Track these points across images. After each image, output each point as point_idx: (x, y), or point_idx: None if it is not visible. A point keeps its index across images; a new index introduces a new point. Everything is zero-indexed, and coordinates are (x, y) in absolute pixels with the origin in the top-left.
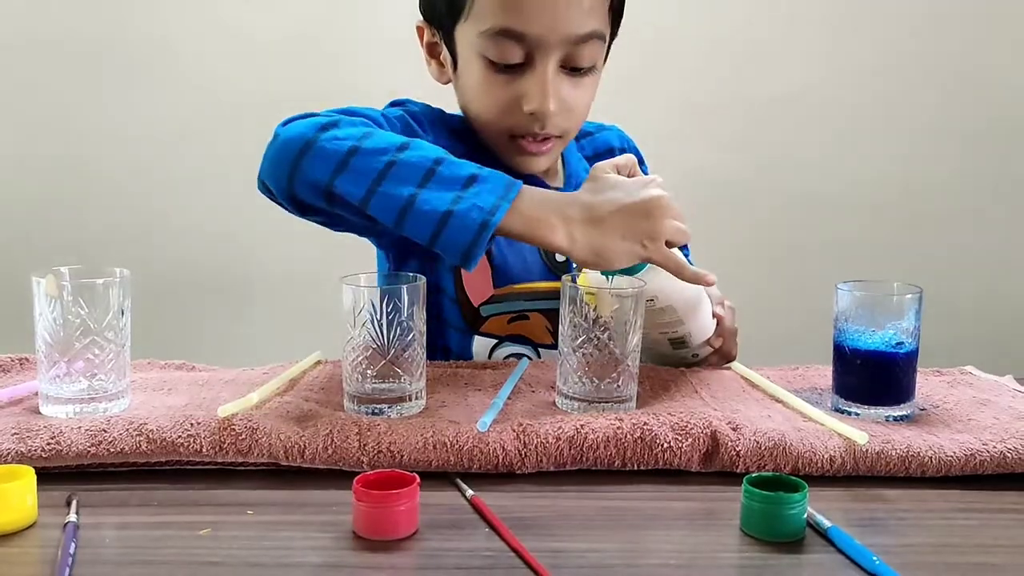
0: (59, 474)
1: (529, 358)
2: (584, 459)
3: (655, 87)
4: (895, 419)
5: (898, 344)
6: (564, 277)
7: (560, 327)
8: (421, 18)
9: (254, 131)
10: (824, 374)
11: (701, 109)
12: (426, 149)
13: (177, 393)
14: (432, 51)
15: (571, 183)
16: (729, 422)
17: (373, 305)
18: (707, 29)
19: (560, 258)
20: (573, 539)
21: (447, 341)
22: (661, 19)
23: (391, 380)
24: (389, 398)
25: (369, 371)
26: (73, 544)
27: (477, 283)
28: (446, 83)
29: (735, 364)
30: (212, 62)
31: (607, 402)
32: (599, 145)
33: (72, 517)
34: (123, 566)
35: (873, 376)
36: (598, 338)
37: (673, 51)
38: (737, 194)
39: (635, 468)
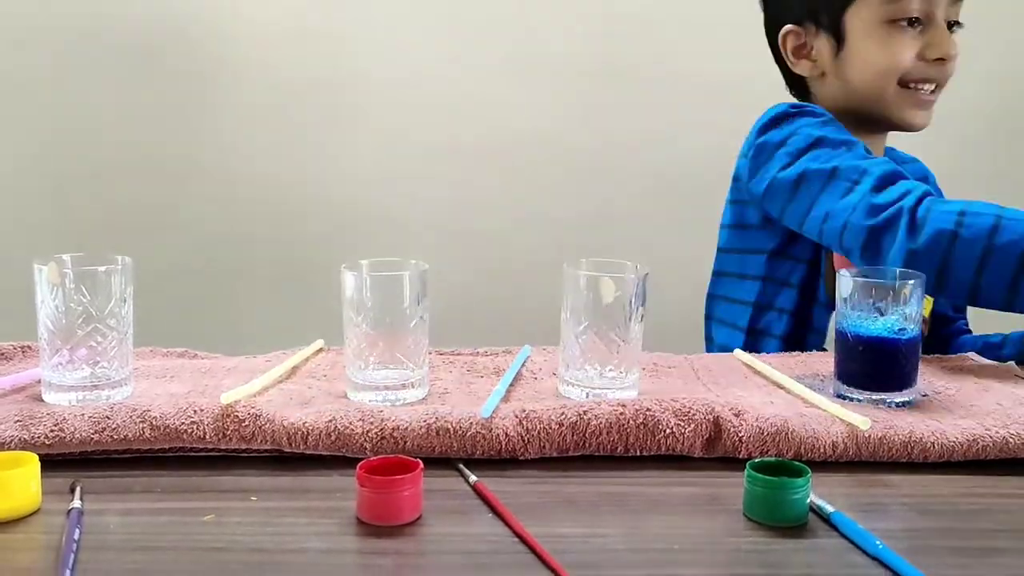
0: (62, 461)
1: None
2: (587, 445)
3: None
4: (897, 405)
5: (900, 330)
6: (564, 264)
7: (562, 313)
8: (786, 28)
9: (259, 120)
10: (826, 360)
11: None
12: (1006, 217)
13: (180, 381)
14: (798, 53)
15: None
16: (731, 408)
17: (374, 292)
18: None
19: None
20: (576, 524)
21: (814, 315)
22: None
23: (393, 367)
24: (391, 385)
25: (371, 358)
26: (77, 530)
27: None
28: (819, 76)
29: (737, 352)
30: (222, 48)
31: (609, 389)
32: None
33: (76, 503)
34: (127, 552)
35: (875, 362)
36: (600, 324)
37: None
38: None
39: (638, 454)
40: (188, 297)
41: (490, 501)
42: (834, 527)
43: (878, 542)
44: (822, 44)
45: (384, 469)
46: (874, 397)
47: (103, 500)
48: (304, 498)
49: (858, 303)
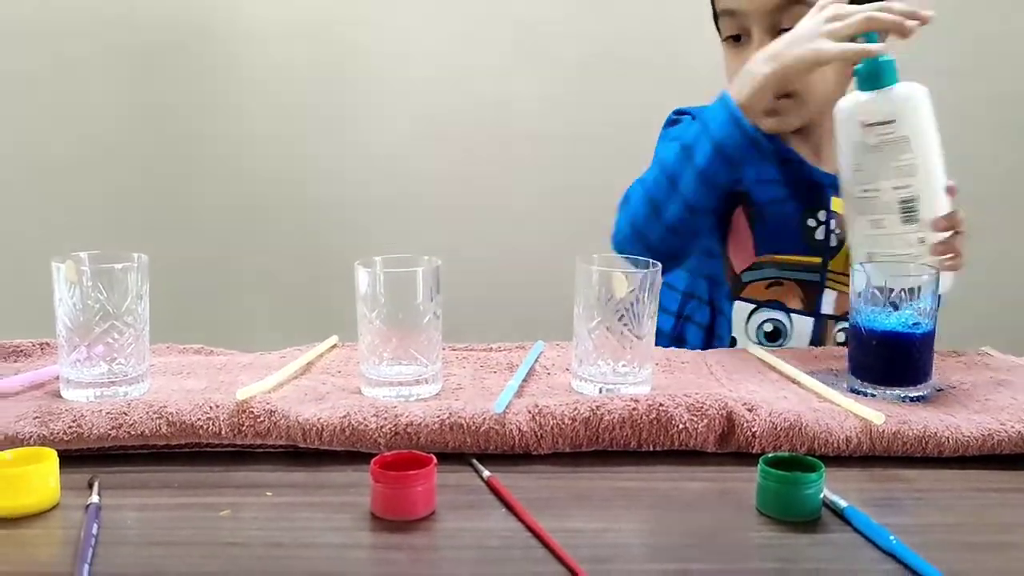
0: (80, 457)
1: (781, 326)
2: (600, 440)
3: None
4: (912, 400)
5: (914, 324)
6: (577, 259)
7: (575, 308)
8: None
9: (271, 116)
10: (840, 355)
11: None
12: (664, 150)
13: (195, 377)
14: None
15: None
16: (745, 403)
17: (387, 288)
18: None
19: (819, 236)
20: (590, 519)
21: (720, 303)
22: None
23: (407, 363)
24: (405, 380)
25: (385, 354)
26: (96, 525)
27: (742, 252)
28: None
29: (750, 346)
30: (232, 45)
31: (623, 384)
32: None
33: (94, 499)
34: (145, 546)
35: (889, 357)
36: (613, 320)
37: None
38: None
39: (651, 449)
40: (201, 294)
41: (503, 496)
42: (847, 522)
43: (892, 537)
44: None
45: (398, 464)
46: (888, 392)
47: (120, 495)
48: (319, 493)
49: (872, 298)
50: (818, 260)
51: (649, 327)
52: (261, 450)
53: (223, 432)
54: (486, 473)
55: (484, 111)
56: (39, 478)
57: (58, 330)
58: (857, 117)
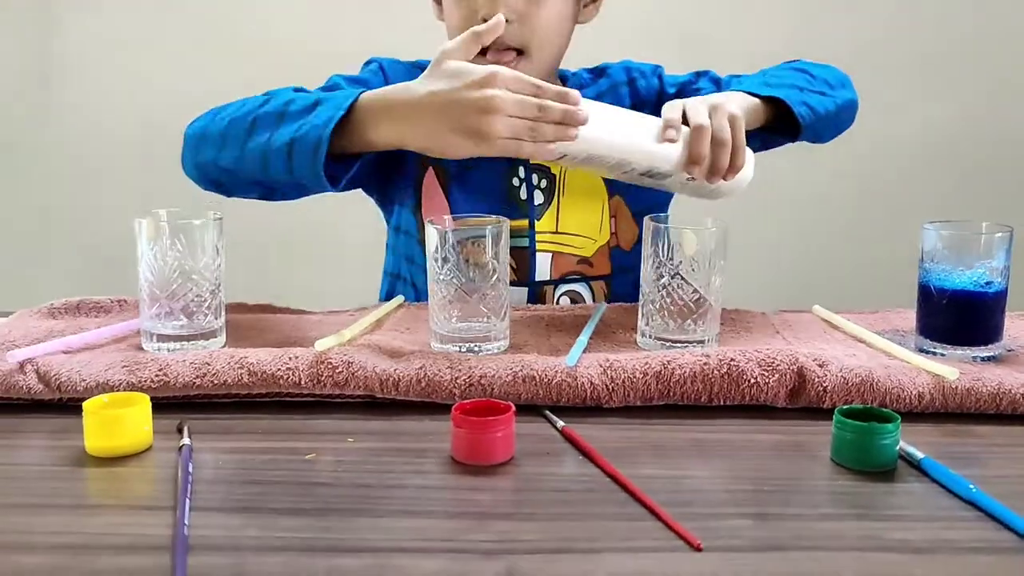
0: (166, 404)
1: None
2: (671, 394)
3: (723, 40)
4: (982, 359)
5: (987, 283)
6: (647, 218)
7: (643, 267)
8: None
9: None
10: (905, 316)
11: (776, 60)
12: (283, 95)
13: (270, 332)
14: None
15: None
16: (815, 359)
17: (458, 246)
18: None
19: (523, 196)
20: (665, 467)
21: (422, 285)
22: None
23: (476, 320)
24: (475, 337)
25: (455, 311)
26: (191, 464)
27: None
28: (443, 21)
29: (816, 308)
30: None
31: (690, 343)
32: (611, 77)
33: (186, 440)
34: (237, 485)
35: (960, 316)
36: (681, 278)
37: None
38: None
39: (721, 404)
40: (260, 258)
41: (580, 444)
42: (924, 472)
43: (971, 486)
44: None
45: (477, 411)
46: (958, 352)
47: (207, 440)
48: (399, 440)
49: (944, 256)
50: (525, 223)
51: (717, 285)
52: (339, 400)
53: (303, 382)
54: (560, 423)
55: None
56: (134, 421)
57: (140, 285)
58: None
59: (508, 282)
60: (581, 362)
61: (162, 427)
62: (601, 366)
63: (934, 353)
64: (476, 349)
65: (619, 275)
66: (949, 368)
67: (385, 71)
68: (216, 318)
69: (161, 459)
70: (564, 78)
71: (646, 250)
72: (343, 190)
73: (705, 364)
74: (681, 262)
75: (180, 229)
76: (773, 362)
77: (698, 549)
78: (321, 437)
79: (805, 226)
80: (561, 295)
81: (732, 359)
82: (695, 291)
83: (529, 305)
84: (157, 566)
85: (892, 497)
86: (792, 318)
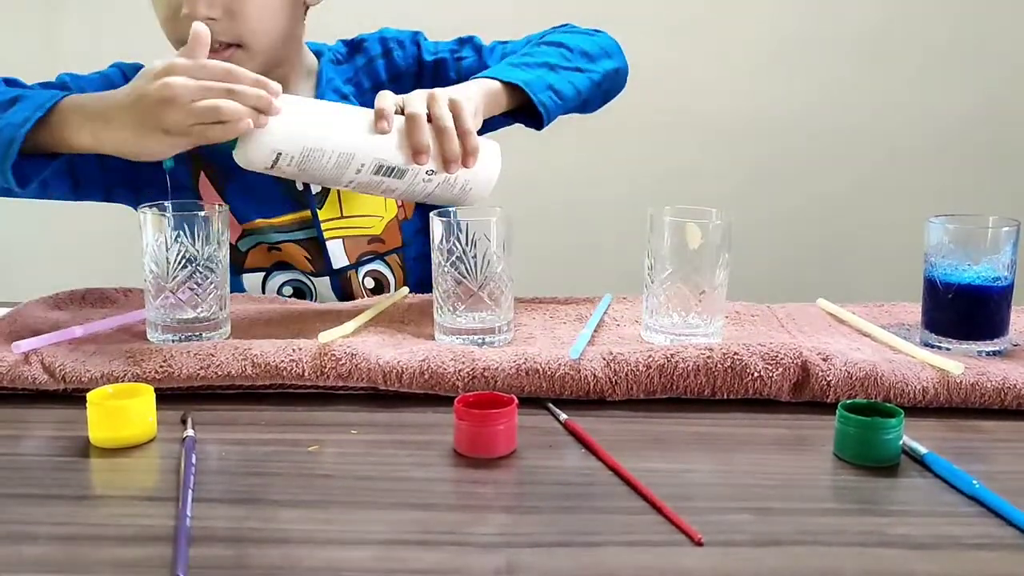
0: (171, 395)
1: (304, 287)
2: (674, 387)
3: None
4: (988, 354)
5: (994, 278)
6: (650, 209)
7: (646, 260)
8: None
9: None
10: (910, 310)
11: (783, 55)
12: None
13: (274, 323)
14: None
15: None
16: (819, 352)
17: (462, 238)
18: None
19: (299, 187)
20: (668, 460)
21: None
22: None
23: (481, 311)
24: (479, 329)
25: (459, 303)
26: (194, 456)
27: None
28: None
29: (820, 301)
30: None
31: (694, 336)
32: (367, 52)
33: (190, 432)
34: (240, 476)
35: (966, 310)
36: (685, 271)
37: None
38: (822, 135)
39: (724, 397)
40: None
41: (582, 437)
42: (927, 467)
43: (975, 481)
44: None
45: (480, 404)
46: (963, 346)
47: (211, 431)
48: (402, 432)
49: (950, 251)
50: (307, 214)
51: (722, 278)
52: (343, 391)
53: (306, 374)
54: (563, 416)
55: None
56: (138, 412)
57: (144, 276)
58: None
59: (511, 273)
60: (585, 355)
61: (166, 418)
62: (604, 359)
63: (939, 347)
64: (480, 341)
65: (412, 244)
66: (954, 363)
67: (127, 75)
68: (221, 309)
69: (165, 450)
70: (319, 53)
71: (649, 243)
72: (32, 196)
73: (709, 357)
74: (684, 254)
75: (185, 220)
76: (777, 356)
77: (699, 543)
78: (324, 429)
79: (811, 218)
80: (364, 277)
81: (736, 352)
82: (700, 284)
83: (534, 297)
84: (159, 557)
85: (895, 492)
86: (797, 311)
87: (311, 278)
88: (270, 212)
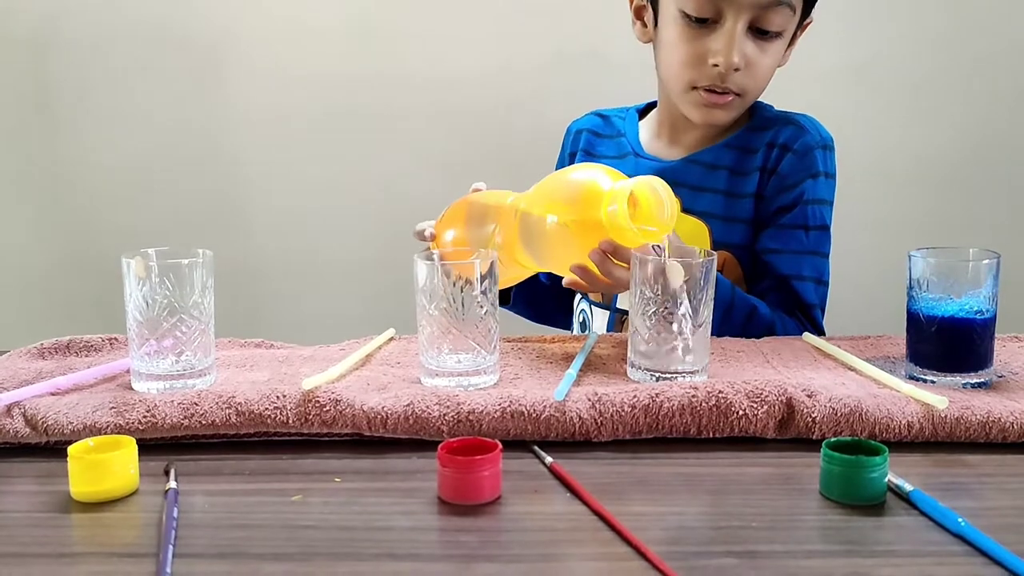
0: (154, 445)
1: (586, 317)
2: (660, 427)
3: None
4: (973, 386)
5: (977, 311)
6: (634, 251)
7: (631, 299)
8: None
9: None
10: (896, 343)
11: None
12: None
13: (259, 369)
14: (639, 13)
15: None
16: (804, 389)
17: (446, 280)
18: None
19: None
20: (653, 503)
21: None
22: None
23: (466, 353)
24: (464, 371)
25: (444, 345)
26: (175, 508)
27: None
28: (647, 42)
29: (805, 335)
30: (278, 49)
31: (680, 374)
32: (793, 140)
33: (172, 484)
34: (222, 529)
35: (950, 343)
36: (668, 310)
37: None
38: None
39: (710, 436)
40: (256, 291)
41: (567, 481)
42: (913, 505)
43: (960, 519)
44: (649, 14)
45: (464, 450)
46: (948, 379)
47: (195, 481)
48: (386, 479)
49: (933, 284)
50: None
51: (705, 316)
52: (327, 438)
53: (290, 421)
54: (548, 459)
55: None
56: (119, 464)
57: (128, 324)
58: None
59: (496, 314)
60: (570, 396)
61: (149, 469)
62: (589, 400)
63: (924, 380)
64: (466, 384)
65: None
66: (938, 397)
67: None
68: (206, 356)
69: (147, 503)
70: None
71: (633, 283)
72: None
73: (693, 396)
74: (667, 292)
75: (169, 268)
76: (761, 393)
77: None
78: (308, 477)
79: None
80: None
81: (720, 391)
82: (683, 323)
83: (521, 336)
84: None
85: (881, 532)
86: (782, 346)
87: (595, 308)
88: None
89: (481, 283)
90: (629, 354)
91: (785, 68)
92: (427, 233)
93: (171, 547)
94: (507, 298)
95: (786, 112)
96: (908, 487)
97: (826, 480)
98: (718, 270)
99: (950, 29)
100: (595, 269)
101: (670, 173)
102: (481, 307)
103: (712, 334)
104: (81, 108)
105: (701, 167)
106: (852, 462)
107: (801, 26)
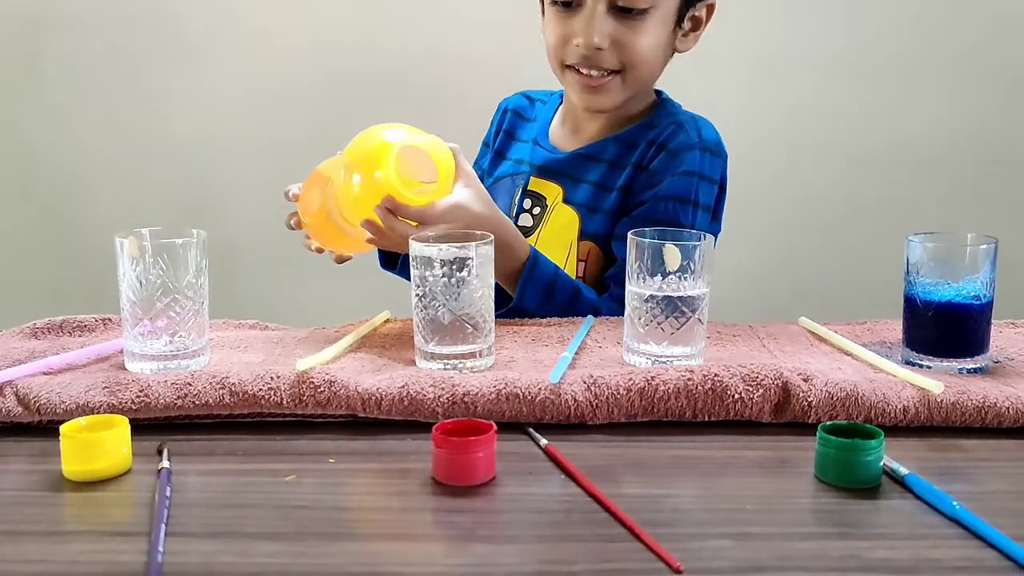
0: (148, 425)
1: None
2: (655, 410)
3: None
4: (969, 371)
5: (974, 296)
6: (631, 233)
7: (627, 281)
8: None
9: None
10: (892, 328)
11: (765, 69)
12: None
13: (254, 350)
14: (542, 5)
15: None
16: (800, 373)
17: (442, 262)
18: None
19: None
20: (648, 485)
21: None
22: None
23: (461, 336)
24: (460, 354)
25: (440, 327)
26: (168, 488)
27: None
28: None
29: (802, 319)
30: (269, 27)
31: (675, 357)
32: (670, 139)
33: (165, 464)
34: (215, 508)
35: (947, 328)
36: (665, 293)
37: (734, 11)
38: (804, 152)
39: (706, 419)
40: (251, 273)
41: (562, 463)
42: (908, 489)
43: (955, 503)
44: (540, 4)
45: (458, 431)
46: (944, 364)
47: (188, 461)
48: (380, 460)
49: (930, 269)
50: None
51: (702, 299)
52: (321, 419)
53: (284, 402)
54: (543, 441)
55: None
56: (112, 443)
57: (122, 304)
58: None
59: (493, 298)
60: (565, 378)
61: (142, 449)
62: (585, 382)
63: (920, 365)
64: (461, 366)
65: None
66: (934, 382)
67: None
68: (200, 337)
69: (139, 482)
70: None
71: (631, 265)
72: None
73: (689, 380)
74: (666, 276)
75: (162, 248)
76: (757, 377)
77: (678, 572)
78: (303, 458)
79: (793, 236)
80: None
81: (716, 374)
82: (679, 306)
83: (516, 319)
84: None
85: (876, 515)
86: (778, 330)
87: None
88: None
89: (476, 266)
90: (625, 338)
91: (781, 57)
92: (291, 194)
93: (163, 526)
94: (394, 262)
95: (686, 113)
96: (903, 471)
97: (821, 463)
98: (582, 259)
99: (942, 15)
100: (381, 224)
101: (556, 164)
102: (476, 290)
103: (532, 315)
104: (68, 90)
105: (584, 160)
106: (848, 445)
107: (696, 7)
